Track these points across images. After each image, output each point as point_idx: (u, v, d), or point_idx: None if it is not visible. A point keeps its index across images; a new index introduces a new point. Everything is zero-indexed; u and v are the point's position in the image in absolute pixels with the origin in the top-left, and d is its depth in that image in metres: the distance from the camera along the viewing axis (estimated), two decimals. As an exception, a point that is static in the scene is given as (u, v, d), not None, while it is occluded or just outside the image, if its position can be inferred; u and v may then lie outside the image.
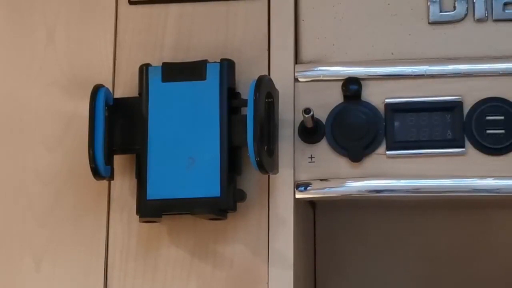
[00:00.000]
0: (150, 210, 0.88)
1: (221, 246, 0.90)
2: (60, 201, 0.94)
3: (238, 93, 0.91)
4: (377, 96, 0.91)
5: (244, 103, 0.88)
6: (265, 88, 0.86)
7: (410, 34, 0.93)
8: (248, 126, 0.84)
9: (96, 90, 0.89)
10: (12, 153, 0.96)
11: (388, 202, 0.97)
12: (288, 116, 0.92)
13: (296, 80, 0.93)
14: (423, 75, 0.91)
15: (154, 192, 0.89)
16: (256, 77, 0.87)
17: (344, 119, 0.91)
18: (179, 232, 0.92)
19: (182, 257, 0.91)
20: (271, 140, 0.88)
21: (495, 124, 0.89)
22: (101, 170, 0.88)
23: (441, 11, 0.92)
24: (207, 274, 0.90)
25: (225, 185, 0.87)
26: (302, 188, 0.90)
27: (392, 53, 0.93)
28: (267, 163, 0.86)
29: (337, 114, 0.91)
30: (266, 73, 0.93)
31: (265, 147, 0.86)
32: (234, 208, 0.88)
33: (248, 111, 0.84)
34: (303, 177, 0.91)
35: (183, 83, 0.90)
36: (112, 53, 0.96)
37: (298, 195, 0.90)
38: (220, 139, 0.88)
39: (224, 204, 0.87)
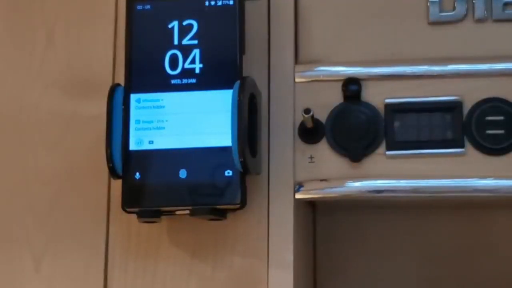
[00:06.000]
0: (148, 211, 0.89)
1: (221, 246, 0.90)
2: (60, 201, 0.94)
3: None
4: (377, 96, 0.91)
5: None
6: (248, 89, 0.87)
7: (410, 34, 0.93)
8: (232, 127, 0.84)
9: (114, 89, 0.89)
10: (12, 153, 0.96)
11: (388, 202, 0.97)
12: (288, 116, 0.92)
13: (295, 80, 0.93)
14: (423, 75, 0.91)
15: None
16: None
17: (344, 119, 0.91)
18: (179, 232, 0.92)
19: (182, 257, 0.91)
20: (254, 141, 0.89)
21: (495, 125, 0.89)
22: (118, 170, 0.88)
23: (441, 11, 0.92)
24: (207, 274, 0.90)
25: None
26: (302, 189, 0.90)
27: (392, 53, 0.93)
28: (251, 163, 0.86)
29: (337, 114, 0.91)
30: (266, 73, 0.93)
31: (248, 148, 0.86)
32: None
33: (232, 113, 0.85)
34: (303, 177, 0.91)
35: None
36: (112, 53, 0.96)
37: (298, 196, 0.90)
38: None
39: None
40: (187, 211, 0.88)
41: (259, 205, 0.90)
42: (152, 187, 0.88)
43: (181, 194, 0.87)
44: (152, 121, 0.89)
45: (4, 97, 0.97)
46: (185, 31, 0.90)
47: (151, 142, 0.88)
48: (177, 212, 0.89)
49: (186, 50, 0.89)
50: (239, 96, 0.85)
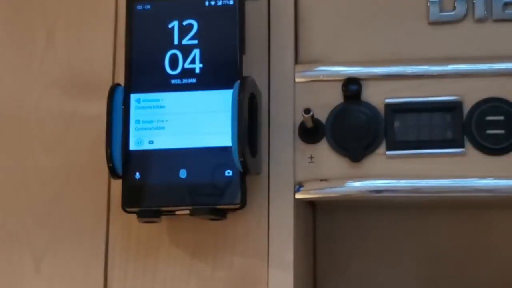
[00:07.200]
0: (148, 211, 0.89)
1: (221, 246, 0.90)
2: (60, 201, 0.94)
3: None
4: (377, 96, 0.91)
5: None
6: (248, 89, 0.87)
7: (410, 34, 0.93)
8: (232, 127, 0.84)
9: (114, 89, 0.89)
10: (12, 153, 0.96)
11: (388, 202, 0.97)
12: (288, 116, 0.92)
13: (295, 80, 0.93)
14: (423, 75, 0.91)
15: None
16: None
17: (344, 119, 0.91)
18: (179, 232, 0.92)
19: (182, 257, 0.91)
20: (254, 141, 0.89)
21: (495, 124, 0.89)
22: (118, 170, 0.88)
23: (441, 11, 0.92)
24: (207, 274, 0.90)
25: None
26: (302, 188, 0.90)
27: (392, 53, 0.93)
28: (251, 163, 0.86)
29: (337, 114, 0.91)
30: (266, 73, 0.93)
31: (248, 148, 0.86)
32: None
33: (232, 112, 0.85)
34: (303, 177, 0.91)
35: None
36: (112, 53, 0.96)
37: (298, 196, 0.90)
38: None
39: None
40: (187, 211, 0.88)
41: (259, 205, 0.90)
42: (152, 187, 0.88)
43: (181, 194, 0.87)
44: (152, 121, 0.89)
45: (4, 97, 0.97)
46: (185, 31, 0.90)
47: (151, 142, 0.88)
48: (177, 212, 0.89)
49: (186, 50, 0.89)
50: (239, 96, 0.85)
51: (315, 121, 0.90)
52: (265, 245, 0.90)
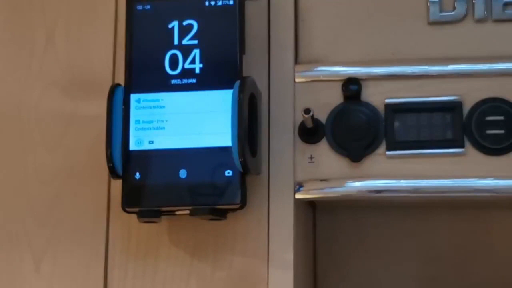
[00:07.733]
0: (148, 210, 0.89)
1: (221, 246, 0.90)
2: (60, 201, 0.94)
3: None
4: (377, 96, 0.91)
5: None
6: (248, 89, 0.87)
7: (410, 34, 0.93)
8: (232, 127, 0.85)
9: (114, 89, 0.89)
10: (12, 153, 0.96)
11: (388, 203, 0.97)
12: (288, 116, 0.92)
13: (295, 80, 0.93)
14: (423, 75, 0.91)
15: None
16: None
17: (344, 119, 0.91)
18: (179, 232, 0.92)
19: (182, 257, 0.91)
20: (254, 141, 0.89)
21: (495, 125, 0.89)
22: (118, 170, 0.88)
23: (441, 11, 0.92)
24: (207, 274, 0.90)
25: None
26: (302, 189, 0.90)
27: (392, 53, 0.93)
28: (251, 163, 0.86)
29: (337, 114, 0.91)
30: (266, 73, 0.93)
31: (248, 148, 0.86)
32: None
33: (232, 112, 0.85)
34: (303, 177, 0.91)
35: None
36: (112, 53, 0.96)
37: (298, 196, 0.90)
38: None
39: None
40: (187, 211, 0.88)
41: (259, 205, 0.90)
42: (152, 187, 0.88)
43: (181, 194, 0.87)
44: (152, 121, 0.89)
45: (4, 97, 0.97)
46: (185, 31, 0.90)
47: (151, 142, 0.88)
48: (177, 212, 0.89)
49: (186, 50, 0.89)
50: (239, 96, 0.85)
51: (315, 121, 0.90)
52: (265, 245, 0.90)
